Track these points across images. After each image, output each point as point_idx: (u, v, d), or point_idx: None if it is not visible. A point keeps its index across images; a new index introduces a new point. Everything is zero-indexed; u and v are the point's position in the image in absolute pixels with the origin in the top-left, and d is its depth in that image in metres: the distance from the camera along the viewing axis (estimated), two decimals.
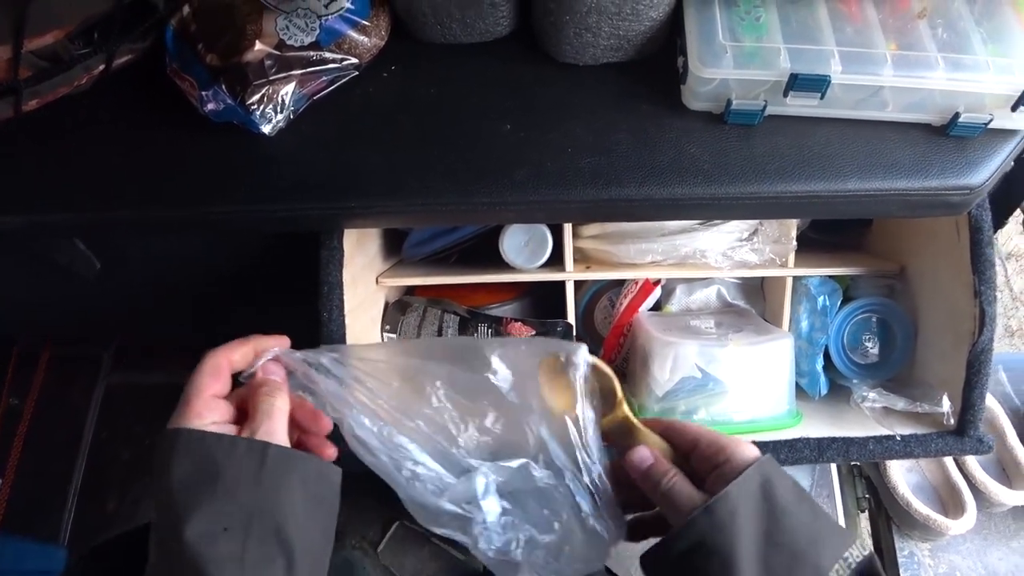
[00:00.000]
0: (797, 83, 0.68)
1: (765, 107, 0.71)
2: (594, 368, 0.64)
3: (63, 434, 1.38)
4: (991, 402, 1.21)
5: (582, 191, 0.70)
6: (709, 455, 0.57)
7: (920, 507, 1.15)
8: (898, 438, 0.81)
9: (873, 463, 1.25)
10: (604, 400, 0.64)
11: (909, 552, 1.23)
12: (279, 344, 0.61)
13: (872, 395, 0.84)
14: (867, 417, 0.85)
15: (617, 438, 0.64)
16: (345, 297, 0.81)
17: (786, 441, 0.81)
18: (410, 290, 1.01)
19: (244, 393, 0.58)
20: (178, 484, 0.50)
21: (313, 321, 0.81)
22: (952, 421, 0.82)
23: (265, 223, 0.76)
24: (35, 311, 1.13)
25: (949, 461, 1.20)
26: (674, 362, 0.83)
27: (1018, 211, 0.99)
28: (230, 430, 0.54)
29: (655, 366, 0.84)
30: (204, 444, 0.51)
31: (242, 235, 0.94)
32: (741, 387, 0.83)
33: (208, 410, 0.54)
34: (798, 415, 0.86)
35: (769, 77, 0.69)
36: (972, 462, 1.17)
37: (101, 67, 0.75)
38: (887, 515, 1.25)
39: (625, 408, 0.65)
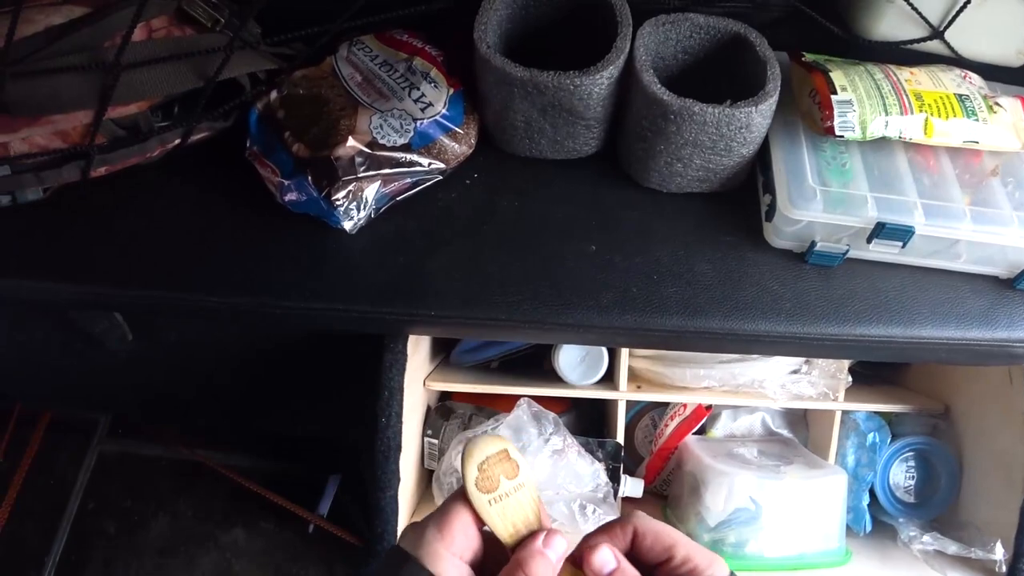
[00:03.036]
0: (884, 232, 0.70)
1: (847, 251, 0.72)
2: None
3: (47, 501, 1.31)
4: None
5: (668, 320, 0.70)
6: (683, 561, 0.47)
7: None
8: None
9: None
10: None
11: None
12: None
13: (926, 538, 0.84)
14: (914, 558, 0.85)
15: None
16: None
17: None
18: (446, 394, 0.98)
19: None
20: None
21: (367, 424, 0.78)
22: (1003, 568, 0.82)
23: (334, 323, 0.74)
24: (48, 374, 1.08)
25: None
26: (729, 492, 0.82)
27: None
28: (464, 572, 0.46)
29: (708, 495, 0.82)
30: None
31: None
32: (794, 521, 0.82)
33: (460, 546, 0.46)
34: (848, 553, 0.85)
35: (856, 223, 0.70)
36: None
37: (176, 141, 0.75)
38: None
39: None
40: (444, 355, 0.97)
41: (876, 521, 0.93)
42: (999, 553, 0.81)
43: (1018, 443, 0.82)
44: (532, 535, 0.46)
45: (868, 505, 0.91)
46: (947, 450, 0.91)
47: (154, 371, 1.01)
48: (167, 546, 1.31)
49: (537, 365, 0.88)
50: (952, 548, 0.83)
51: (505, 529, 0.47)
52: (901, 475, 0.92)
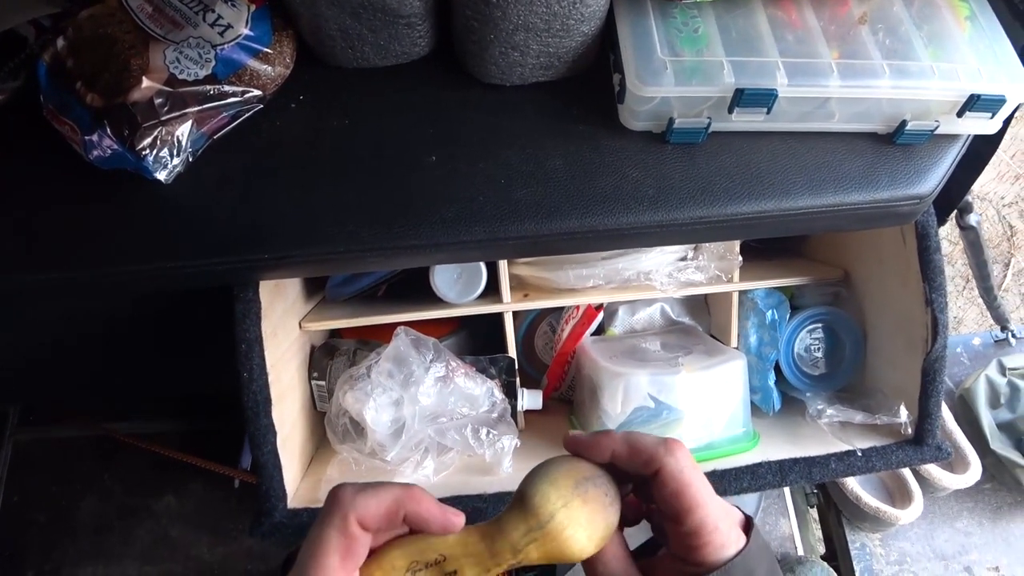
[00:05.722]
0: (744, 98, 0.64)
1: (709, 124, 0.67)
2: None
3: None
4: None
5: (520, 226, 0.65)
6: (690, 534, 0.42)
7: (869, 500, 1.15)
8: (859, 453, 0.79)
9: None
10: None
11: (860, 544, 1.23)
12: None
13: (830, 411, 0.82)
14: (824, 432, 0.83)
15: None
16: (267, 350, 0.74)
17: (748, 467, 0.77)
18: (336, 330, 0.93)
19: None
20: None
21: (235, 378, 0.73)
22: (910, 430, 0.80)
23: (167, 282, 0.67)
24: None
25: None
26: (625, 393, 0.78)
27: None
28: None
29: (605, 398, 0.79)
30: None
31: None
32: (696, 412, 0.79)
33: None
34: (755, 436, 0.83)
35: (713, 93, 0.65)
36: None
37: None
38: (837, 509, 1.25)
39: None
40: (323, 292, 0.91)
41: (788, 398, 0.91)
42: (903, 416, 0.79)
43: (915, 304, 0.79)
44: None
45: (776, 383, 0.88)
46: (849, 318, 0.88)
47: (23, 352, 0.94)
48: (102, 524, 1.27)
49: (426, 286, 0.83)
50: (858, 417, 0.81)
51: None
52: (806, 348, 0.89)
